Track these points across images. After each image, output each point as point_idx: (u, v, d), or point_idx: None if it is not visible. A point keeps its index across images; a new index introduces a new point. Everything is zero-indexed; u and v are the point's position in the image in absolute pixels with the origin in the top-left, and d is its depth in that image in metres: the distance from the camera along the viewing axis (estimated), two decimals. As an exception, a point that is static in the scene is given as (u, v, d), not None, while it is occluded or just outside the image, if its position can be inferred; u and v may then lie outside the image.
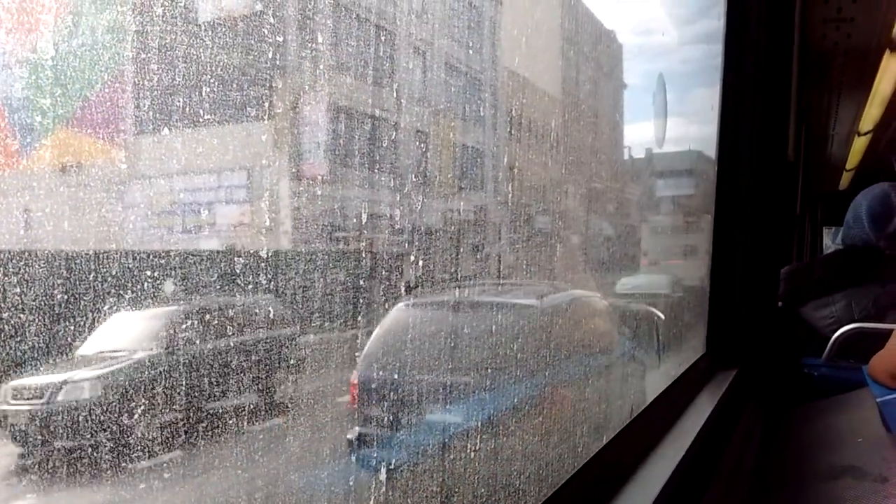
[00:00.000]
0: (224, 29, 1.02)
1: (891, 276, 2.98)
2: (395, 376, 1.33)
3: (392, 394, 1.32)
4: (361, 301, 1.24)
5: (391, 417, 1.32)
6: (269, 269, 1.07)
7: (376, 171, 1.42)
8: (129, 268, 0.87)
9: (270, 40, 1.09)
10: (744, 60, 2.77)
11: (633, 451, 1.61)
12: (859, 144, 8.74)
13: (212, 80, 0.96)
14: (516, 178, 2.06)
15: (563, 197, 2.23)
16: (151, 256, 0.93)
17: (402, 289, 1.33)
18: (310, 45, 1.25)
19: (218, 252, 1.12)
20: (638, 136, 3.24)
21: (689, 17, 3.66)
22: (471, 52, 2.00)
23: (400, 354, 1.32)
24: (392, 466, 1.28)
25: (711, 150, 2.86)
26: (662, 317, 3.08)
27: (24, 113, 0.81)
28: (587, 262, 2.21)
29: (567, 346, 1.96)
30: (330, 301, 1.20)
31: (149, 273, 0.89)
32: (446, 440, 1.36)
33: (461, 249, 1.57)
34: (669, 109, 2.96)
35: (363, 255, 1.32)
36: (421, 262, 1.41)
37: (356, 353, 1.22)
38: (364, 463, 1.32)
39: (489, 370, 1.52)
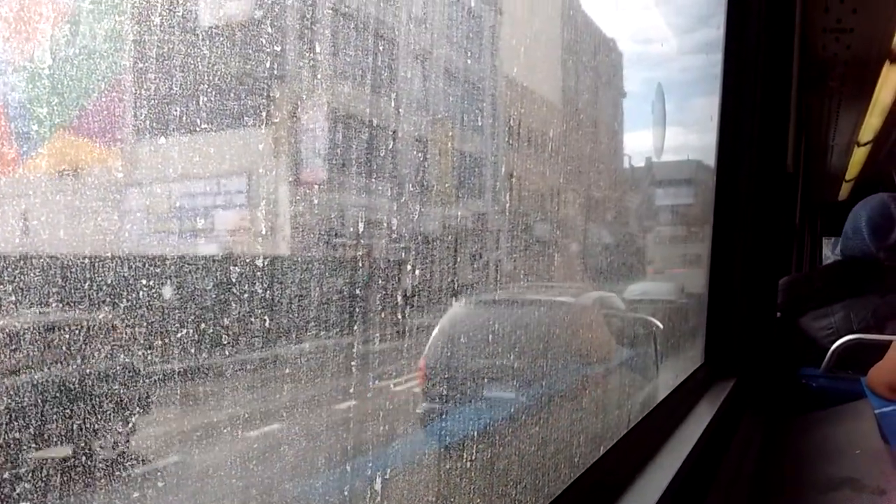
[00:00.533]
0: (224, 35, 1.02)
1: (890, 288, 2.98)
2: (455, 361, 1.57)
3: (453, 376, 1.56)
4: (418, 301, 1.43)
5: (453, 396, 1.56)
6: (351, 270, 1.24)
7: (376, 177, 1.42)
8: (126, 273, 0.87)
9: (269, 47, 1.09)
10: (743, 70, 2.78)
11: (630, 460, 1.60)
12: (859, 155, 8.76)
13: (210, 87, 0.97)
14: (520, 187, 2.10)
15: (572, 208, 2.39)
16: (149, 261, 0.93)
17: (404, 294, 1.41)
18: (309, 52, 1.25)
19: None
20: (641, 144, 3.24)
21: (689, 25, 3.67)
22: (470, 59, 2.01)
23: (458, 343, 1.56)
24: (452, 439, 1.50)
25: (711, 160, 2.86)
26: (661, 326, 3.08)
27: (21, 118, 0.81)
28: (596, 269, 2.41)
29: (598, 336, 2.22)
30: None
31: (147, 279, 0.89)
32: (498, 417, 1.60)
33: (474, 256, 1.73)
34: (669, 118, 2.97)
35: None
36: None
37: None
38: (430, 433, 1.51)
39: (533, 357, 1.77)
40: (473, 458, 1.46)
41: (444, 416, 1.51)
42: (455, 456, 1.47)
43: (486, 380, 1.62)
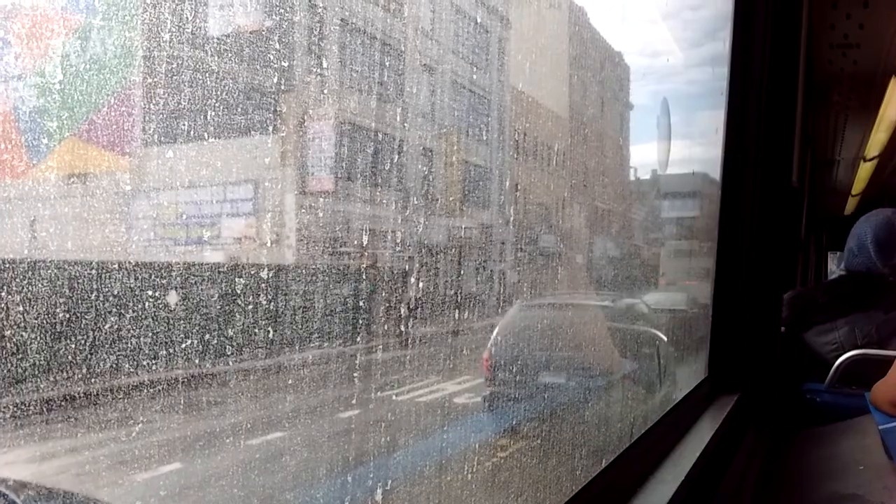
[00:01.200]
0: (233, 43, 1.03)
1: (894, 303, 2.98)
2: (514, 354, 1.88)
3: (512, 366, 1.85)
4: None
5: (513, 383, 1.85)
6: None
7: (383, 187, 1.43)
8: (133, 279, 0.88)
9: (278, 56, 1.10)
10: (749, 85, 2.78)
11: (632, 474, 1.60)
12: (865, 170, 8.75)
13: (219, 94, 0.97)
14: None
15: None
16: (156, 268, 0.93)
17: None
18: (317, 61, 1.26)
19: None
20: (653, 158, 3.26)
21: (695, 39, 3.68)
22: (478, 70, 2.02)
23: (516, 338, 1.88)
24: (512, 422, 1.84)
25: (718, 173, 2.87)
26: (665, 339, 3.10)
27: (32, 123, 0.82)
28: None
29: (631, 333, 2.65)
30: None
31: (153, 285, 0.90)
32: (551, 403, 1.90)
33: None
34: (677, 131, 2.99)
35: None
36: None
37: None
38: (493, 414, 1.89)
39: (579, 351, 2.14)
40: (530, 435, 1.77)
41: (504, 399, 1.88)
42: (511, 435, 1.80)
43: (538, 368, 1.94)
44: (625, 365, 2.39)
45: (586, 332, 2.23)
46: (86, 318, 0.80)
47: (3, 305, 0.74)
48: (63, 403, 0.79)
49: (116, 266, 0.87)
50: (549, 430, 1.82)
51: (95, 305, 0.82)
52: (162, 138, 0.95)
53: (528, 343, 1.90)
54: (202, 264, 1.05)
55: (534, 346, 1.90)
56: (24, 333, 0.75)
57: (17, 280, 0.75)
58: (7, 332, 0.73)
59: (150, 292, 0.88)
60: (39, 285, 0.76)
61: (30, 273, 0.76)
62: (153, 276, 0.91)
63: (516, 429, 1.80)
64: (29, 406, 0.75)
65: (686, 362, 2.93)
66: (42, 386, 0.77)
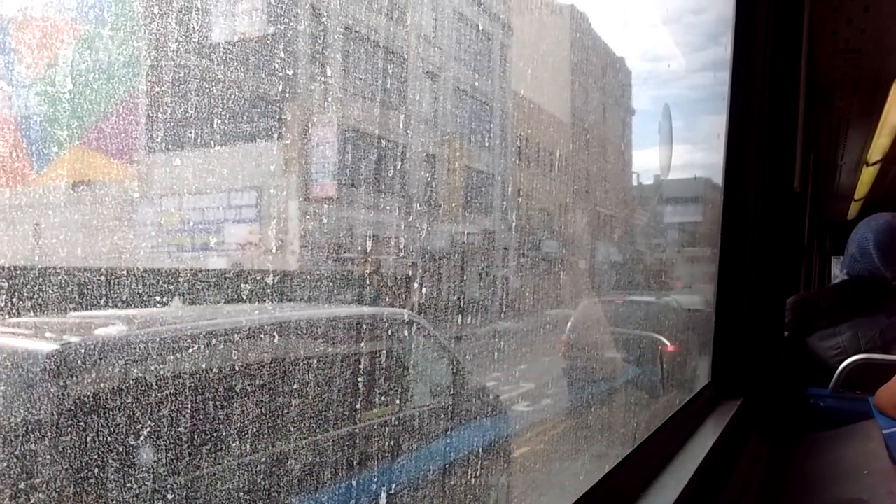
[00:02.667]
0: (236, 50, 1.04)
1: (898, 308, 2.97)
2: (585, 337, 2.54)
3: (584, 347, 2.55)
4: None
5: (584, 359, 2.56)
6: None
7: (386, 193, 1.44)
8: (137, 285, 0.88)
9: (282, 63, 1.11)
10: (750, 90, 2.79)
11: (635, 479, 1.60)
12: (868, 174, 8.74)
13: (223, 101, 0.98)
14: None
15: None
16: (161, 274, 0.94)
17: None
18: (321, 68, 1.27)
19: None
20: (655, 163, 3.28)
21: (697, 44, 3.69)
22: (480, 77, 2.02)
23: (587, 325, 2.55)
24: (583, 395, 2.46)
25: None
26: (668, 344, 3.13)
27: (37, 130, 0.82)
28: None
29: (675, 323, 3.21)
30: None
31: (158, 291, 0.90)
32: (612, 372, 2.63)
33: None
34: (679, 136, 3.04)
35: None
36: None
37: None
38: (570, 380, 2.52)
39: (633, 336, 2.84)
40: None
41: (579, 372, 2.51)
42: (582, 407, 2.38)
43: (606, 350, 2.64)
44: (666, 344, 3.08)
45: (636, 320, 2.96)
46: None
47: (8, 311, 0.74)
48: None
49: (125, 272, 0.87)
50: (611, 391, 2.55)
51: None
52: (165, 145, 0.96)
53: (595, 329, 2.59)
54: (208, 270, 1.05)
55: (599, 331, 2.62)
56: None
57: (24, 285, 0.76)
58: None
59: (157, 298, 0.89)
60: (47, 291, 0.77)
61: (36, 279, 0.76)
62: (159, 282, 0.91)
63: (588, 390, 2.46)
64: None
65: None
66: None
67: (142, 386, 0.91)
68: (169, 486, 0.97)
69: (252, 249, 1.26)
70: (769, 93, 2.81)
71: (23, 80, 0.82)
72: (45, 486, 0.82)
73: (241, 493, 1.08)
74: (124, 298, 0.85)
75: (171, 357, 0.96)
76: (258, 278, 1.11)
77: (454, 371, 1.92)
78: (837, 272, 11.98)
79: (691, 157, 3.59)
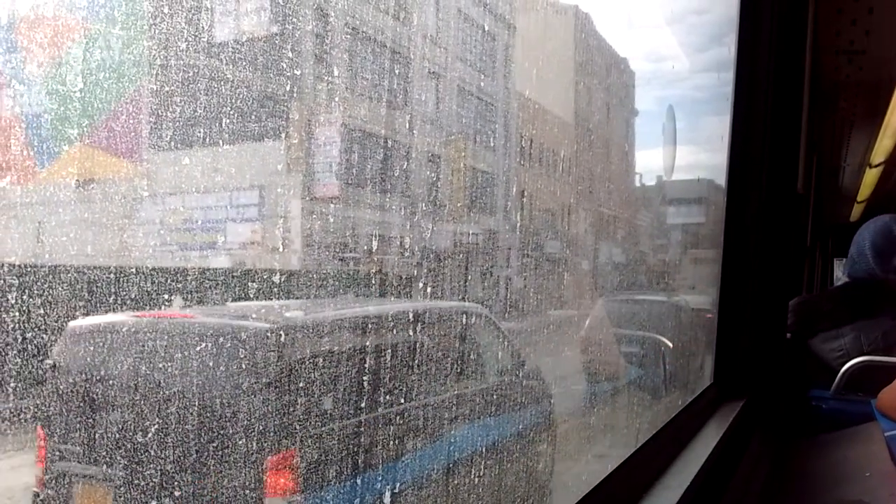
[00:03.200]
0: (240, 50, 1.04)
1: (900, 310, 2.97)
2: (601, 334, 2.75)
3: (601, 343, 2.76)
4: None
5: (599, 353, 2.76)
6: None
7: (392, 192, 1.44)
8: (142, 282, 0.88)
9: (287, 63, 1.11)
10: (754, 91, 2.78)
11: (637, 480, 1.60)
12: (871, 176, 8.73)
13: (227, 100, 0.98)
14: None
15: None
16: (164, 273, 0.94)
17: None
18: (325, 67, 1.27)
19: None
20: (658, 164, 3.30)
21: (701, 45, 3.69)
22: (485, 77, 2.02)
23: (603, 321, 2.77)
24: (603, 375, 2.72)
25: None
26: (670, 345, 3.14)
27: (41, 128, 0.83)
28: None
29: (686, 321, 3.42)
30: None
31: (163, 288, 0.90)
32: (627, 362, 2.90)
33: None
34: (688, 137, 3.08)
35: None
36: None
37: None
38: (587, 372, 2.70)
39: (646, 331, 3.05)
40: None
41: (596, 362, 2.71)
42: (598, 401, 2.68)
43: (621, 344, 2.86)
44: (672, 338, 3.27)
45: (648, 316, 3.18)
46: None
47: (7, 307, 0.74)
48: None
49: (134, 270, 0.87)
50: (626, 378, 2.82)
51: (111, 308, 0.83)
52: (168, 143, 0.96)
53: (611, 324, 2.87)
54: (215, 269, 1.05)
55: (616, 326, 2.92)
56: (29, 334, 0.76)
57: (28, 282, 0.76)
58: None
59: (165, 296, 0.89)
60: (55, 288, 0.77)
61: (40, 276, 0.77)
62: (167, 280, 0.91)
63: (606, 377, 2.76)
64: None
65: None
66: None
67: (315, 349, 1.44)
68: (339, 417, 1.44)
69: (268, 247, 1.26)
70: (773, 94, 2.81)
71: (30, 79, 0.82)
72: (268, 413, 1.33)
73: (388, 433, 1.53)
74: (133, 296, 0.86)
75: (331, 334, 1.46)
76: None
77: (512, 353, 2.41)
78: (840, 274, 11.97)
79: (695, 159, 3.59)
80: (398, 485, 1.60)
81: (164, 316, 1.05)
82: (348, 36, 1.32)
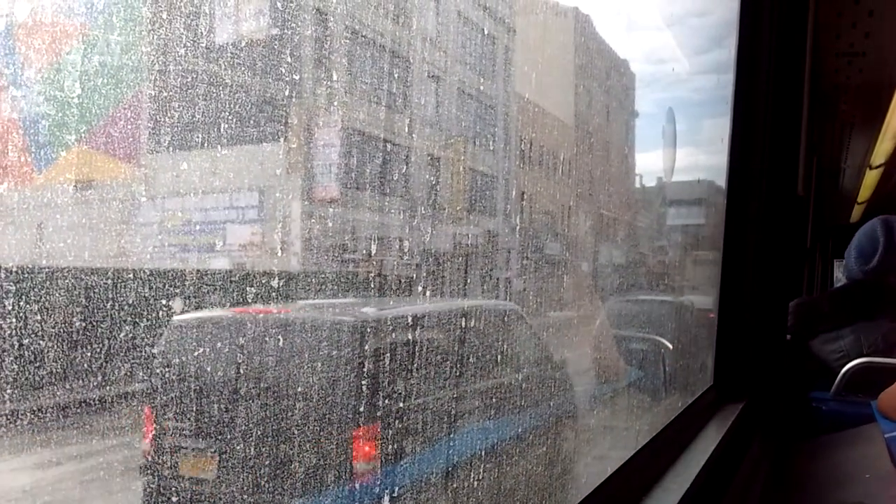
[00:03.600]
0: (239, 52, 1.04)
1: (900, 312, 2.97)
2: (611, 332, 2.90)
3: (610, 341, 2.91)
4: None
5: (609, 351, 2.90)
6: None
7: (391, 194, 1.44)
8: (142, 285, 0.88)
9: (287, 66, 1.11)
10: (754, 93, 2.79)
11: (637, 482, 1.60)
12: (871, 178, 8.73)
13: (227, 103, 0.98)
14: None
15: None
16: (163, 274, 0.94)
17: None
18: (324, 70, 1.27)
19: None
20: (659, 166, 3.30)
21: (702, 47, 3.69)
22: (485, 79, 2.03)
23: (613, 320, 2.91)
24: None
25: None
26: (670, 346, 3.15)
27: (41, 131, 0.83)
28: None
29: (694, 319, 3.48)
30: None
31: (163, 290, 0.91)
32: (634, 357, 3.03)
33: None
34: (688, 139, 3.08)
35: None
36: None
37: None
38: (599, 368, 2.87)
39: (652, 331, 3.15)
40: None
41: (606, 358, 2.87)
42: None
43: (630, 342, 3.05)
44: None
45: (656, 315, 3.32)
46: (101, 327, 0.81)
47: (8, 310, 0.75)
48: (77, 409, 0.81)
49: (131, 274, 0.88)
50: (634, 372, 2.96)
51: (111, 313, 0.83)
52: (169, 147, 0.96)
53: (621, 323, 3.05)
54: (215, 271, 1.06)
55: (623, 325, 3.08)
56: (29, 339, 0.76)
57: (27, 286, 0.76)
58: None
59: (163, 301, 0.89)
60: (55, 293, 0.77)
61: (40, 279, 0.77)
62: (165, 284, 0.92)
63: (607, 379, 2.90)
64: (45, 411, 0.76)
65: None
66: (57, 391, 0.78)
67: (388, 339, 1.72)
68: (410, 396, 1.71)
69: (253, 250, 1.26)
70: (773, 96, 2.81)
71: (29, 82, 0.82)
72: (354, 392, 1.58)
73: (449, 412, 1.79)
74: (130, 301, 0.86)
75: (398, 326, 1.71)
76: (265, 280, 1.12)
77: (542, 346, 2.65)
78: (840, 275, 11.96)
79: (695, 161, 3.59)
80: (460, 456, 1.87)
81: (259, 311, 1.33)
82: (347, 39, 1.32)
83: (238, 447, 1.44)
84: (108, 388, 0.87)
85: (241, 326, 1.34)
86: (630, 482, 1.57)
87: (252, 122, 1.06)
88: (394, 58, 1.43)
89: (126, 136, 0.91)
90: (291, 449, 1.51)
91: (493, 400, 1.97)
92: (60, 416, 0.81)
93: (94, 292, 0.81)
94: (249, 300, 1.15)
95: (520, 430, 2.13)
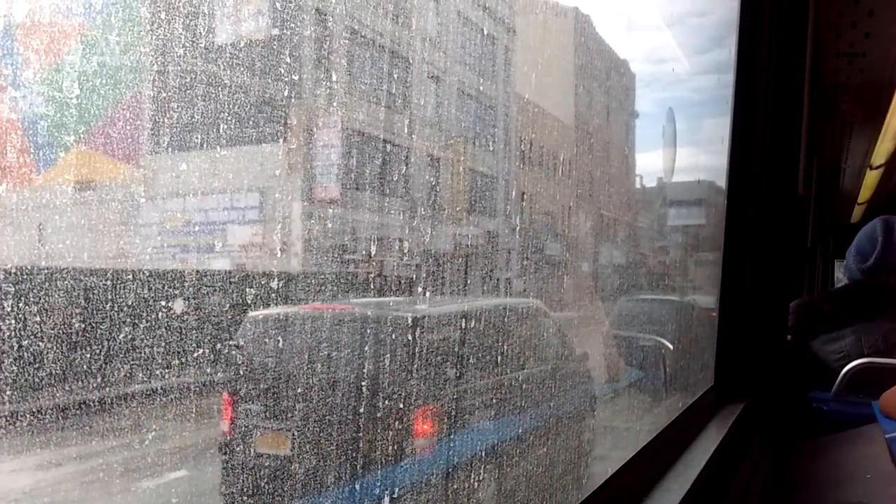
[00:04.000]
0: (239, 53, 1.04)
1: (901, 312, 2.97)
2: (621, 331, 3.15)
3: (620, 337, 3.19)
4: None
5: (620, 347, 3.21)
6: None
7: (391, 195, 1.44)
8: (142, 286, 0.88)
9: (285, 65, 1.11)
10: (755, 93, 2.79)
11: (638, 483, 1.60)
12: (871, 178, 8.72)
13: (226, 104, 0.98)
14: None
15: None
16: (164, 275, 0.94)
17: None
18: (324, 70, 1.27)
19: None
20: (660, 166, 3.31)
21: (702, 47, 3.69)
22: (484, 79, 2.03)
23: (623, 318, 3.14)
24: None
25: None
26: (671, 347, 3.15)
27: (40, 131, 0.83)
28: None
29: (698, 319, 3.52)
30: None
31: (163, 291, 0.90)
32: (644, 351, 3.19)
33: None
34: (688, 139, 3.09)
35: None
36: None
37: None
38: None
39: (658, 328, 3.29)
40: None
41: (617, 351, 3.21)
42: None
43: (639, 338, 3.18)
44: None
45: (656, 315, 3.44)
46: (101, 328, 0.81)
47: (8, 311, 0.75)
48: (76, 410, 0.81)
49: (130, 275, 0.88)
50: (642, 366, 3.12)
51: (110, 315, 0.83)
52: (169, 147, 0.96)
53: (631, 320, 3.24)
54: (215, 272, 1.06)
55: (633, 322, 3.25)
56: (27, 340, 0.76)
57: (26, 286, 0.76)
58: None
59: (162, 303, 0.89)
60: (53, 294, 0.77)
61: (38, 279, 0.77)
62: (164, 285, 0.92)
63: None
64: (45, 412, 0.76)
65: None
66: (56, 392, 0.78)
67: (435, 333, 1.87)
68: (461, 382, 1.96)
69: (254, 250, 1.26)
70: (773, 96, 2.81)
71: (28, 83, 0.82)
72: (413, 378, 1.74)
73: (494, 397, 2.00)
74: (129, 302, 0.86)
75: (446, 322, 1.90)
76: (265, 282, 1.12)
77: (566, 340, 2.92)
78: (841, 276, 11.96)
79: (695, 161, 3.59)
80: (505, 436, 2.08)
81: (327, 308, 1.52)
82: (347, 39, 1.32)
83: (311, 428, 1.61)
84: (113, 387, 0.87)
85: (308, 321, 1.53)
86: (631, 482, 1.57)
87: (252, 122, 1.06)
88: (393, 58, 1.43)
89: (126, 137, 0.91)
90: (358, 428, 1.64)
91: (530, 389, 2.17)
92: (62, 417, 0.81)
93: (94, 293, 0.81)
94: (249, 300, 1.15)
95: (550, 416, 2.33)
